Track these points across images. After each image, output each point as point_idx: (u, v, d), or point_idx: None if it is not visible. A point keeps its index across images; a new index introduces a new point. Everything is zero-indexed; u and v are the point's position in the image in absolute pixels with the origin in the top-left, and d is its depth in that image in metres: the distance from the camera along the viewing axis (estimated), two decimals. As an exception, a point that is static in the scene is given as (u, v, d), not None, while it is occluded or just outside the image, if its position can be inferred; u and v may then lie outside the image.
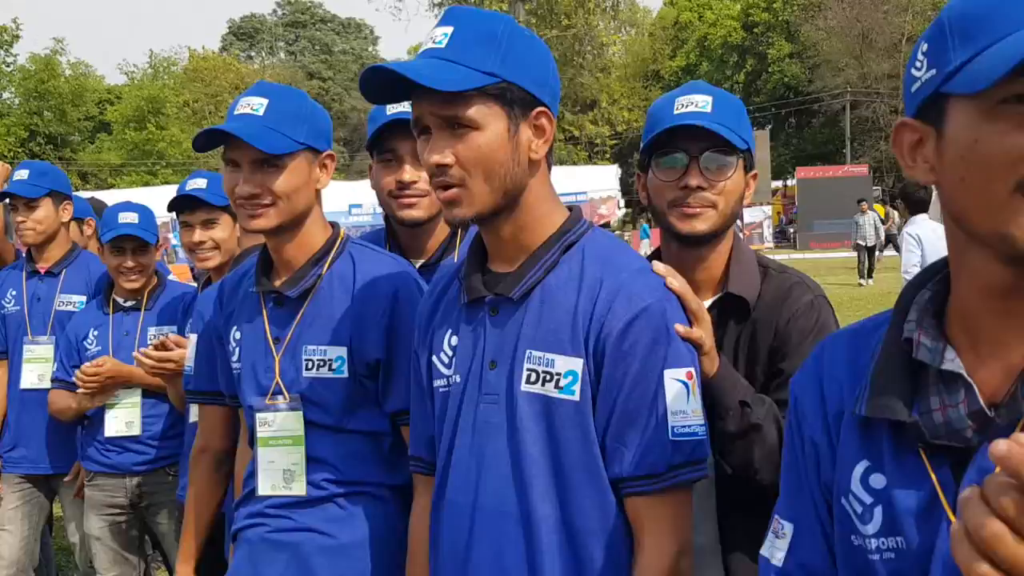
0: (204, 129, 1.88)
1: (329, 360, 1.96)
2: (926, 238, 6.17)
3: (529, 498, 1.43)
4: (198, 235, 2.95)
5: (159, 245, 3.37)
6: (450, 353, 1.58)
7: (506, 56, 1.43)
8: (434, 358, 1.61)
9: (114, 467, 3.29)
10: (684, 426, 1.41)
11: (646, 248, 29.83)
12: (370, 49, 67.90)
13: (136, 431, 3.28)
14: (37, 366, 3.51)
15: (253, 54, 64.81)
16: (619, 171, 35.55)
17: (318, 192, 2.02)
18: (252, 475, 2.03)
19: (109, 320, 3.33)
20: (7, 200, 3.55)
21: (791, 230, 34.84)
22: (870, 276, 19.07)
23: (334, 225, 2.09)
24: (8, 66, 48.26)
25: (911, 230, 6.44)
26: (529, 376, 1.45)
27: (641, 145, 1.92)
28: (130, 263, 3.24)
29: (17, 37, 48.17)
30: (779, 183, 38.51)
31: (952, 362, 0.96)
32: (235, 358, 2.08)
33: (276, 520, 1.97)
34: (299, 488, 1.95)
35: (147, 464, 3.30)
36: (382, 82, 1.43)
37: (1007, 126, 0.88)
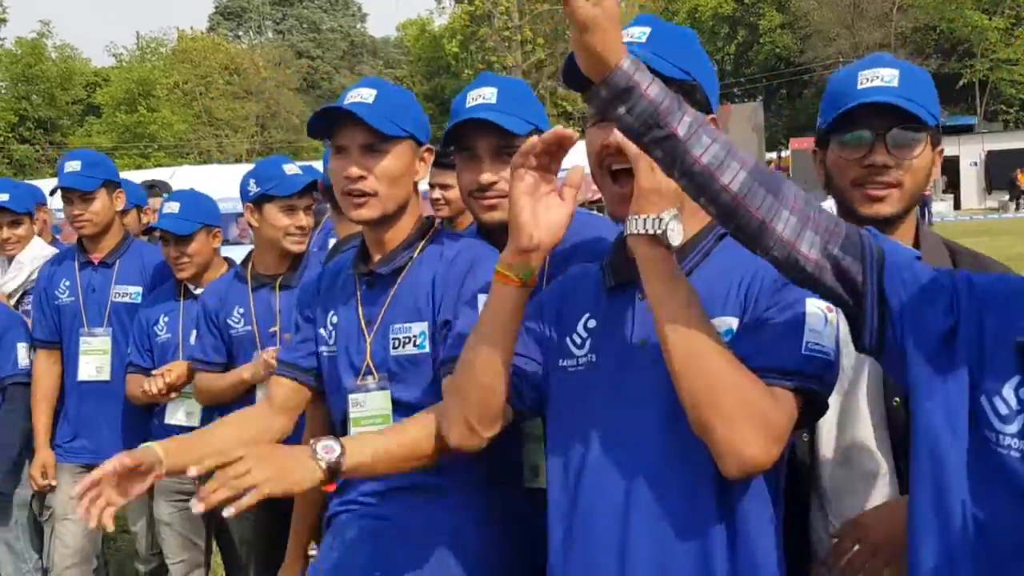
0: (321, 108, 1.96)
1: (414, 336, 2.02)
2: None
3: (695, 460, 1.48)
4: (303, 219, 3.08)
5: (215, 233, 3.39)
6: (584, 335, 1.64)
7: (698, 61, 1.59)
8: (566, 339, 1.66)
9: (181, 455, 3.33)
10: (817, 344, 1.46)
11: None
12: (359, 27, 67.37)
13: (195, 423, 3.32)
14: (94, 358, 3.54)
15: (241, 34, 64.23)
16: (613, 145, 35.42)
17: (415, 185, 2.09)
18: None
19: (179, 307, 3.37)
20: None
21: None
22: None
23: (429, 218, 2.15)
24: (-5, 52, 47.83)
25: None
26: None
27: (819, 121, 1.90)
28: (173, 253, 3.28)
29: (3, 21, 47.74)
30: (773, 155, 38.53)
31: None
32: (331, 341, 2.13)
33: (367, 507, 2.02)
34: None
35: (213, 452, 3.34)
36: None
37: None
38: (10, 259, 4.25)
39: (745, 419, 1.38)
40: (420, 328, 2.01)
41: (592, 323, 1.64)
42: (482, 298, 1.91)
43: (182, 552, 3.41)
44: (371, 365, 2.04)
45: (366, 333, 2.06)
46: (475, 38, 40.70)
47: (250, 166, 3.10)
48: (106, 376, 3.53)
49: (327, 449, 1.57)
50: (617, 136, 1.45)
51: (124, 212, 3.84)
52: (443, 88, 47.53)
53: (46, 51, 49.12)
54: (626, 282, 1.59)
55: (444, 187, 3.82)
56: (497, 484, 2.00)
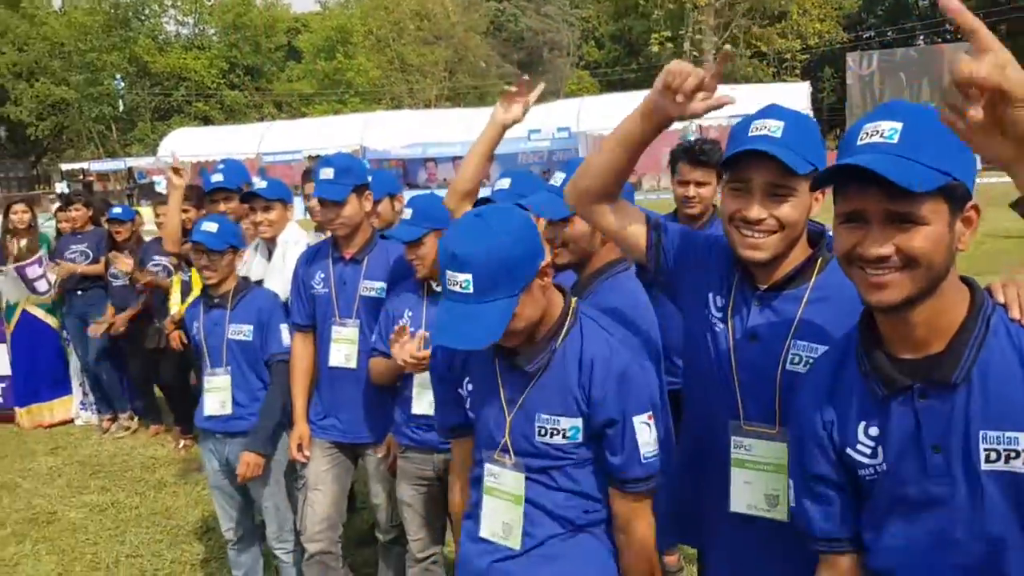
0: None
1: (563, 429, 2.08)
2: None
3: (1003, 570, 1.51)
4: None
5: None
6: (871, 444, 1.63)
7: (954, 154, 1.45)
8: (849, 450, 1.66)
9: (422, 443, 3.57)
10: None
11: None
12: (545, -33, 66.85)
13: None
14: (344, 347, 3.82)
15: (432, -23, 65.27)
16: (809, 88, 33.70)
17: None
18: (477, 505, 2.24)
19: (423, 303, 3.57)
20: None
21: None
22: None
23: (564, 293, 2.17)
24: (209, 2, 51.17)
25: None
26: (989, 455, 1.49)
27: None
28: (409, 256, 3.48)
29: (217, -27, 50.93)
30: (988, 98, 35.48)
31: None
32: (467, 405, 2.26)
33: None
34: (515, 542, 2.13)
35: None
36: (838, 172, 1.48)
37: None
38: (270, 240, 4.66)
39: None
40: (571, 423, 2.07)
41: (874, 431, 1.62)
42: (637, 421, 2.03)
43: (421, 531, 3.66)
44: (508, 444, 2.13)
45: (506, 412, 2.13)
46: (666, -23, 39.53)
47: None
48: (353, 364, 3.80)
49: None
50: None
51: (377, 202, 4.13)
52: (630, 29, 46.59)
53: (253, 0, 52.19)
54: (902, 387, 1.56)
55: (699, 184, 3.78)
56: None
